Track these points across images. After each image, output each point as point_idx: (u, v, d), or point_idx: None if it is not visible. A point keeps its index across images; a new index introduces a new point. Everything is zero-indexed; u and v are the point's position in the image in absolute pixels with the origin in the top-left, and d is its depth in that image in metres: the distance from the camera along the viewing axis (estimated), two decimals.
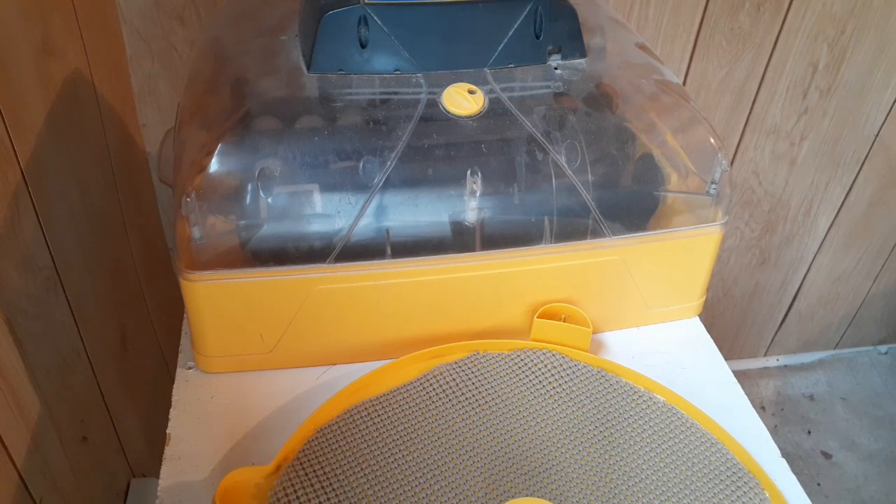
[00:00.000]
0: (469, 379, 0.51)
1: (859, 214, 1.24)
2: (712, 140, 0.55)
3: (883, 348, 1.52)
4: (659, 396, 0.52)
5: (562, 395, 0.51)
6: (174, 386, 0.52)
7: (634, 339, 0.58)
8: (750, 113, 1.07)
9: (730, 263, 1.27)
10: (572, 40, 0.55)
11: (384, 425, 0.48)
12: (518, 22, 0.53)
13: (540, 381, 0.51)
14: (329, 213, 0.49)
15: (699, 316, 0.61)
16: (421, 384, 0.51)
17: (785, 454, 0.50)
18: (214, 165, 0.47)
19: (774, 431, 1.36)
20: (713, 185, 0.55)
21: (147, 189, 0.93)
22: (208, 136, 0.48)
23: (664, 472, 0.47)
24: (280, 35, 0.56)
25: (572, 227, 0.52)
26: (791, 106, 1.07)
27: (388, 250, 0.50)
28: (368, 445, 0.46)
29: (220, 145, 0.47)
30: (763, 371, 1.46)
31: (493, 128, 0.51)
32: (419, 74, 0.53)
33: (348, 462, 0.45)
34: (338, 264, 0.49)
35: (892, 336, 1.50)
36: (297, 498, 0.43)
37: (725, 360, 0.57)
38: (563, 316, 0.54)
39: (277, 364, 0.53)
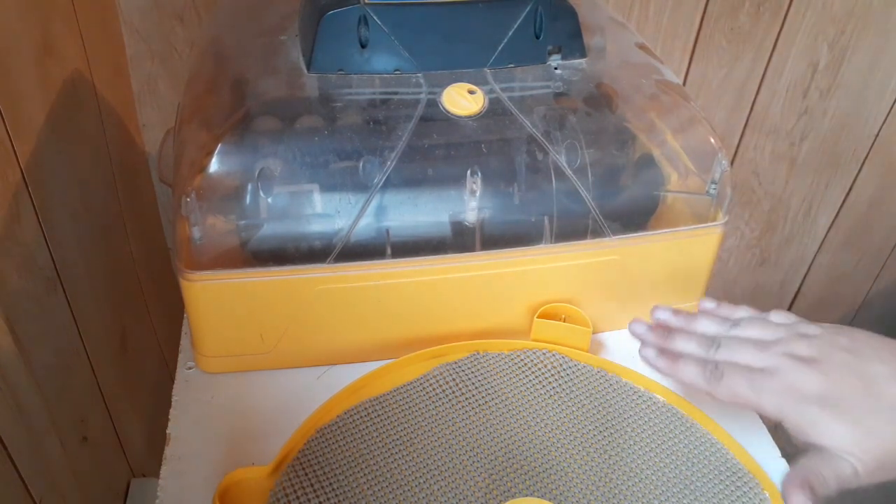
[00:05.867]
0: (469, 379, 0.51)
1: (859, 214, 1.24)
2: (712, 140, 0.55)
3: None
4: (659, 396, 0.52)
5: (562, 395, 0.51)
6: (174, 386, 0.52)
7: (634, 339, 0.58)
8: (750, 113, 1.06)
9: (730, 263, 1.27)
10: (572, 40, 0.55)
11: (384, 425, 0.48)
12: (518, 22, 0.53)
13: (540, 381, 0.51)
14: (329, 212, 0.49)
15: None
16: (421, 384, 0.51)
17: (785, 454, 0.50)
18: (214, 165, 0.47)
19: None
20: (713, 185, 0.55)
21: (147, 189, 0.93)
22: (208, 136, 0.48)
23: (664, 472, 0.47)
24: (280, 35, 0.56)
25: (572, 226, 0.52)
26: (791, 106, 1.07)
27: (388, 250, 0.50)
28: (368, 445, 0.46)
29: (220, 145, 0.47)
30: None
31: (493, 128, 0.51)
32: (419, 74, 0.53)
33: (348, 462, 0.45)
34: (338, 264, 0.49)
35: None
36: (297, 498, 0.43)
37: None
38: (563, 316, 0.54)
39: (277, 364, 0.53)
